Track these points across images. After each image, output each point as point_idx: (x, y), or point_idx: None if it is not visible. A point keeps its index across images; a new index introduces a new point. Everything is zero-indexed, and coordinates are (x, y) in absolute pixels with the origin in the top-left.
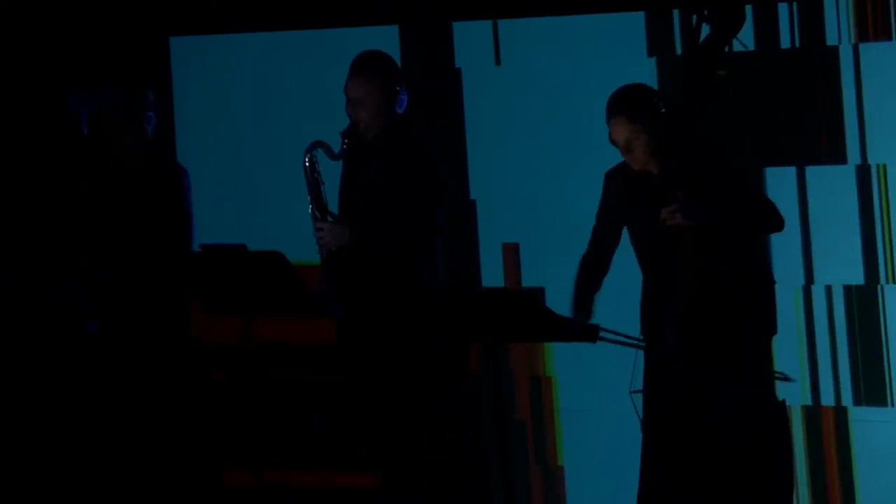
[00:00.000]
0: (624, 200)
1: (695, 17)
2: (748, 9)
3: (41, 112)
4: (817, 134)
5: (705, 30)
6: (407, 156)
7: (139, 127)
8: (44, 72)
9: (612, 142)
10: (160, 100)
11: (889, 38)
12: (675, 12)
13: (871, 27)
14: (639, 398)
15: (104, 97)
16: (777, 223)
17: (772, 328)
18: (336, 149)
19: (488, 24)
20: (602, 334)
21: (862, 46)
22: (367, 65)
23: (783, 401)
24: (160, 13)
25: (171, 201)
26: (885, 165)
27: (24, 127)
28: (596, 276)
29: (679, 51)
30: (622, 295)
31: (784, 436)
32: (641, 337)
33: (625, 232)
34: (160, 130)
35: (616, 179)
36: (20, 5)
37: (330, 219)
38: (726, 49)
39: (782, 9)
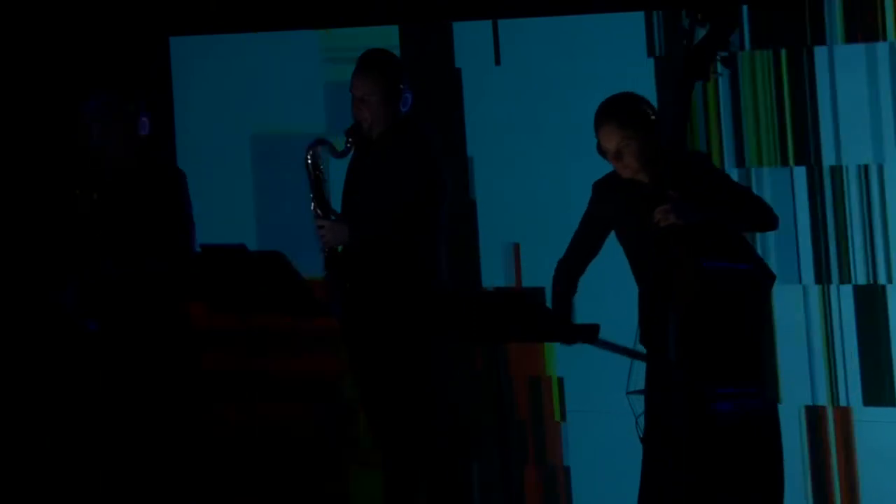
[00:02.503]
0: (614, 209)
1: (688, 19)
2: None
3: (41, 113)
4: (816, 133)
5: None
6: (409, 155)
7: (132, 129)
8: (43, 73)
9: (602, 150)
10: (157, 101)
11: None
12: (666, 12)
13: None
14: (634, 399)
15: (97, 100)
16: (771, 221)
17: (763, 327)
18: (340, 147)
19: (488, 24)
20: (603, 343)
21: (849, 48)
22: (372, 64)
23: (774, 400)
24: (160, 13)
25: (169, 202)
26: (880, 165)
27: (23, 128)
28: (573, 280)
29: (676, 52)
30: (622, 300)
31: (774, 434)
32: (642, 344)
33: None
34: (155, 132)
35: (604, 188)
36: (19, 6)
37: (332, 217)
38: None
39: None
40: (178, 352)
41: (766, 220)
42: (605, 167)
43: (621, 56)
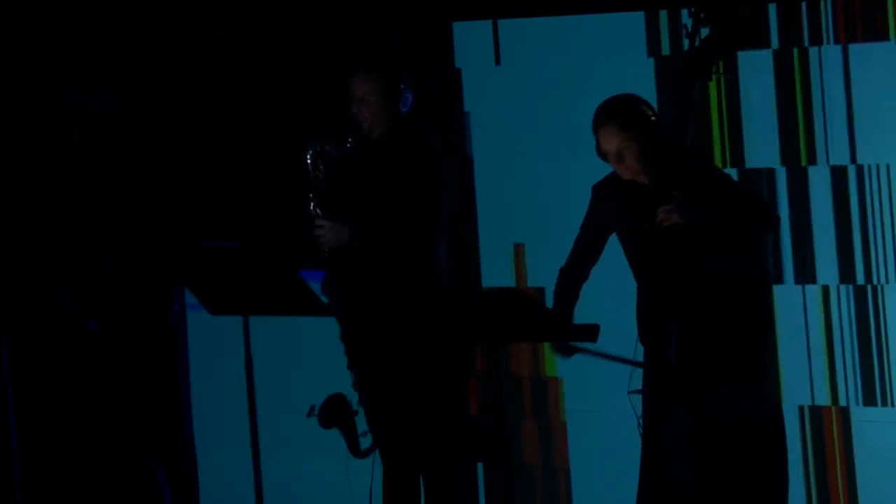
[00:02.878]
0: (614, 211)
1: (691, 19)
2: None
3: (42, 112)
4: (812, 133)
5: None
6: (409, 155)
7: (144, 130)
8: (45, 72)
9: (602, 152)
10: (162, 101)
11: (886, 38)
12: (667, 12)
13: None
14: (635, 398)
15: (107, 99)
16: (772, 221)
17: (768, 327)
18: (340, 147)
19: (488, 24)
20: (599, 353)
21: (851, 47)
22: (371, 64)
23: (777, 401)
24: (160, 13)
25: (175, 201)
26: (885, 166)
27: (24, 127)
28: (576, 288)
29: (678, 52)
30: (621, 301)
31: (779, 435)
32: (642, 344)
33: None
34: (163, 132)
35: (604, 191)
36: (21, 5)
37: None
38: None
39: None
40: (177, 352)
41: (767, 219)
42: (605, 167)
43: (621, 56)
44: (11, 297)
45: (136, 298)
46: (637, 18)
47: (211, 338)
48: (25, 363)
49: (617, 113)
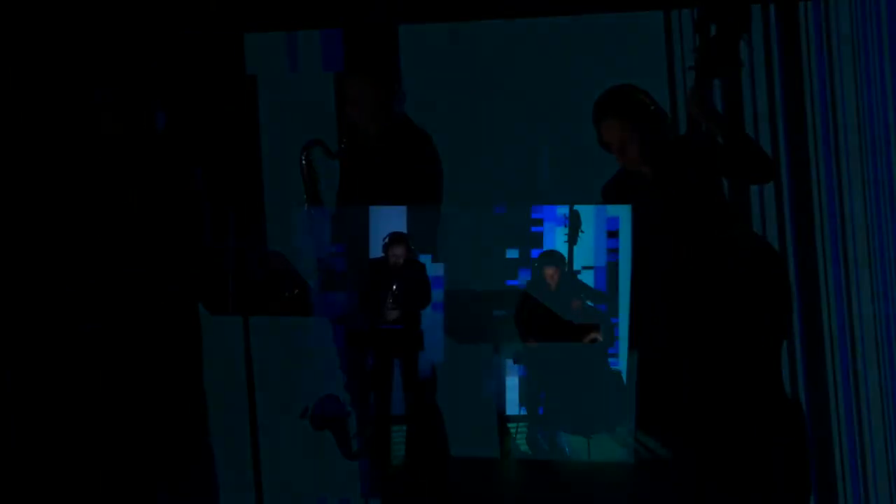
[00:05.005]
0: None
1: (700, 17)
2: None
3: (43, 111)
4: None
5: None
6: (406, 154)
7: (147, 125)
8: (47, 71)
9: (604, 144)
10: (165, 99)
11: None
12: (675, 12)
13: None
14: None
15: (111, 95)
16: (769, 164)
17: (785, 331)
18: (334, 148)
19: (485, 24)
20: None
21: None
22: (364, 64)
23: (798, 401)
24: (161, 13)
25: (186, 198)
26: None
27: (24, 125)
28: None
29: (681, 52)
30: None
31: (799, 436)
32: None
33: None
34: (168, 128)
35: (612, 191)
36: (28, 5)
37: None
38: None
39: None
40: (182, 352)
41: (766, 161)
42: (605, 168)
43: (622, 56)
44: (13, 297)
45: (143, 299)
46: (638, 19)
47: (211, 338)
48: (26, 364)
49: (616, 105)
